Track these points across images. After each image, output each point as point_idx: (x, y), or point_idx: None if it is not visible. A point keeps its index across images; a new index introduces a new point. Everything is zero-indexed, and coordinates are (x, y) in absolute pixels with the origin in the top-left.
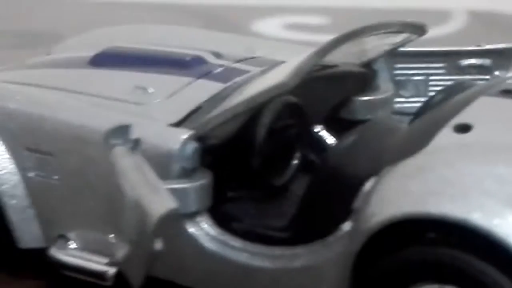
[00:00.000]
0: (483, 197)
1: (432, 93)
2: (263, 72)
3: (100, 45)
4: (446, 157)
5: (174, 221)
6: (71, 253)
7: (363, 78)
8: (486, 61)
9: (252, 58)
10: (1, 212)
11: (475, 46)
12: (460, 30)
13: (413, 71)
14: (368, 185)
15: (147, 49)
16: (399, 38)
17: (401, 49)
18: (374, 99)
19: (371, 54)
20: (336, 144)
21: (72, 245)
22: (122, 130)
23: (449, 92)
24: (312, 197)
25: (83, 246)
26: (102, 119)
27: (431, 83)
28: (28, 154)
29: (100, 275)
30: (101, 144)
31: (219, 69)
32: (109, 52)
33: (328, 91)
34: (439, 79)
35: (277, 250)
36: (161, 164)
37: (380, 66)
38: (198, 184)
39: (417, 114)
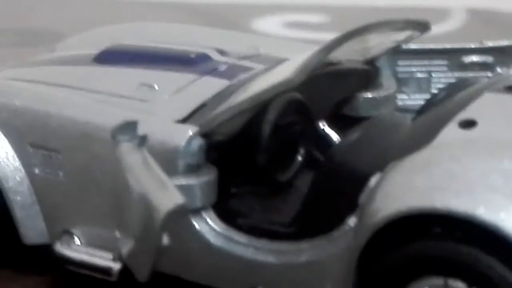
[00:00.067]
0: (488, 192)
1: (435, 90)
2: (267, 69)
3: (104, 43)
4: (452, 152)
5: (181, 216)
6: (76, 249)
7: (367, 75)
8: (488, 58)
9: (256, 55)
10: (7, 209)
11: (477, 43)
12: (459, 28)
13: (416, 69)
14: (373, 180)
15: (152, 47)
16: (402, 35)
17: (404, 46)
18: (377, 96)
19: (374, 52)
20: (341, 141)
21: (77, 241)
22: (129, 127)
23: (452, 89)
24: (317, 193)
25: (88, 242)
26: (108, 116)
27: (433, 80)
28: (34, 151)
29: (105, 271)
30: (107, 140)
31: (224, 66)
32: (114, 49)
33: (331, 88)
34: (442, 76)
35: (282, 245)
36: (167, 160)
37: (383, 64)
38: (203, 180)
39: (421, 110)
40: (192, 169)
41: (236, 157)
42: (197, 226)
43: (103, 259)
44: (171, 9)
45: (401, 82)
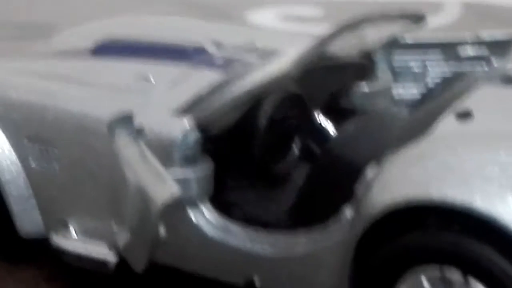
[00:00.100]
0: (484, 182)
1: (430, 83)
2: (264, 62)
3: (99, 36)
4: (448, 144)
5: (177, 208)
6: (72, 242)
7: (362, 68)
8: (484, 51)
9: (252, 48)
10: (3, 202)
11: (473, 36)
12: (453, 21)
13: (412, 62)
14: (369, 172)
15: (148, 40)
16: (398, 28)
17: (400, 39)
18: (373, 89)
19: (370, 45)
20: (338, 133)
21: (74, 233)
22: (125, 119)
23: (449, 81)
24: (313, 185)
25: (85, 234)
26: (105, 109)
27: (429, 73)
28: (30, 144)
29: (102, 264)
30: (104, 133)
31: (220, 59)
32: (110, 42)
33: (327, 81)
34: (437, 69)
35: (279, 237)
36: (163, 153)
37: (379, 57)
38: (200, 173)
39: (417, 103)
40: (189, 162)
41: (233, 150)
42: (193, 218)
43: (99, 251)
44: (167, 2)
45: (397, 75)
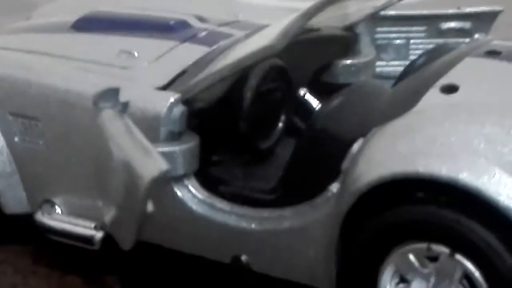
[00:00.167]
0: (471, 156)
1: (413, 57)
2: (248, 36)
3: (80, 11)
4: (434, 117)
5: (164, 183)
6: (57, 218)
7: (346, 42)
8: (466, 24)
9: (236, 22)
10: None
11: (456, 9)
12: None
13: (394, 35)
14: (355, 146)
15: (130, 14)
16: (381, 1)
17: (382, 13)
18: (356, 62)
19: (353, 18)
20: (322, 107)
21: (59, 210)
22: (110, 94)
23: (431, 54)
24: (299, 159)
25: (70, 210)
26: (88, 84)
27: (412, 46)
28: (13, 119)
29: (87, 239)
30: (88, 108)
31: (203, 33)
32: (92, 16)
33: (311, 55)
34: (420, 43)
35: (265, 213)
36: (148, 128)
37: (362, 30)
38: (185, 147)
39: (400, 77)
40: (174, 136)
41: (218, 124)
42: (179, 193)
43: (85, 227)
44: None
45: (380, 49)
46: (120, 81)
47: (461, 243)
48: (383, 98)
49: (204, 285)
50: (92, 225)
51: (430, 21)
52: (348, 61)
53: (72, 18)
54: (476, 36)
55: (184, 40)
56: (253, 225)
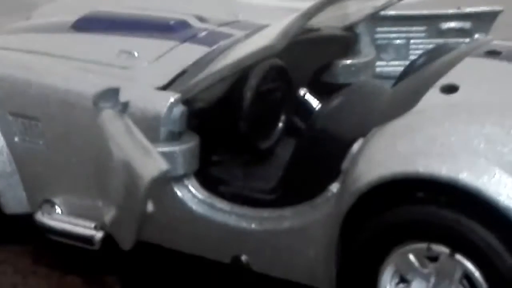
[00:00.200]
0: (471, 156)
1: (413, 57)
2: (248, 36)
3: (80, 11)
4: (434, 117)
5: (164, 183)
6: (57, 218)
7: (346, 41)
8: (466, 24)
9: (236, 22)
10: None
11: (456, 9)
12: None
13: (394, 35)
14: (356, 146)
15: (130, 14)
16: (381, 1)
17: (383, 13)
18: (356, 62)
19: (353, 18)
20: (322, 107)
21: (59, 210)
22: (110, 93)
23: (431, 54)
24: (299, 159)
25: (70, 210)
26: (88, 84)
27: (412, 46)
28: (13, 119)
29: (87, 239)
30: (88, 108)
31: (203, 33)
32: (92, 16)
33: (311, 55)
34: (420, 43)
35: (265, 212)
36: (148, 128)
37: (362, 30)
38: (185, 147)
39: (400, 77)
40: (174, 136)
41: (218, 124)
42: (179, 193)
43: (85, 227)
44: None
45: (380, 49)
46: (120, 81)
47: (461, 243)
48: (383, 98)
49: (204, 285)
50: (92, 225)
51: (430, 21)
52: (348, 61)
53: (72, 18)
54: (476, 36)
55: (184, 40)
56: (253, 225)
